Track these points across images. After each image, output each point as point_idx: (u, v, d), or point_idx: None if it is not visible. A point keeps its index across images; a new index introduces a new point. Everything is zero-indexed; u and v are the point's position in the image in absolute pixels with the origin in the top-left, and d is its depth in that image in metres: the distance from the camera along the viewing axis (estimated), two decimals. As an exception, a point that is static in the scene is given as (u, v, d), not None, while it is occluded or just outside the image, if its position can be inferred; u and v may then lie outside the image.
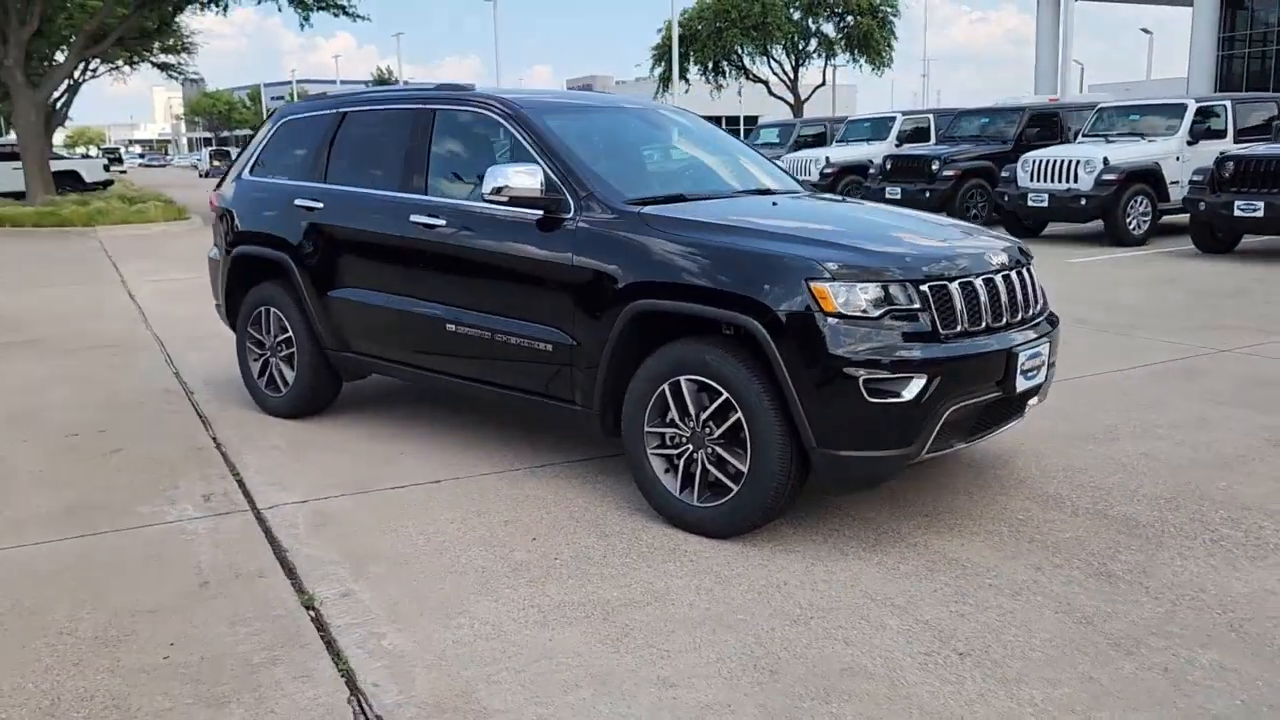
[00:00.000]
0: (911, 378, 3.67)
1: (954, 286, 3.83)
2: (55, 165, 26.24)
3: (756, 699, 2.86)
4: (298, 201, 5.51)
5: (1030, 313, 4.21)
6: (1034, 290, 4.29)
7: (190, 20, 44.11)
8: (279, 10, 23.30)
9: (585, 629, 3.27)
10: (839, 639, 3.20)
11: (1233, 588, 3.55)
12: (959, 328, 3.83)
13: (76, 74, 46.08)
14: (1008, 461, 4.92)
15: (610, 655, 3.10)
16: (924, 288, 3.76)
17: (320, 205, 5.41)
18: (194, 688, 2.93)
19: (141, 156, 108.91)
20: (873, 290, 3.69)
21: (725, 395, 3.85)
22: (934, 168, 15.97)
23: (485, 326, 4.64)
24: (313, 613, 3.41)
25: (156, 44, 44.29)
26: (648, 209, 4.24)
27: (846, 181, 18.27)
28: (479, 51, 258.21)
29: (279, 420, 5.77)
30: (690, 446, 4.00)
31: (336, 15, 24.58)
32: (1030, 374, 4.06)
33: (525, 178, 4.32)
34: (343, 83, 74.33)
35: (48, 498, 4.53)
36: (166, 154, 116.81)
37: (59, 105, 48.38)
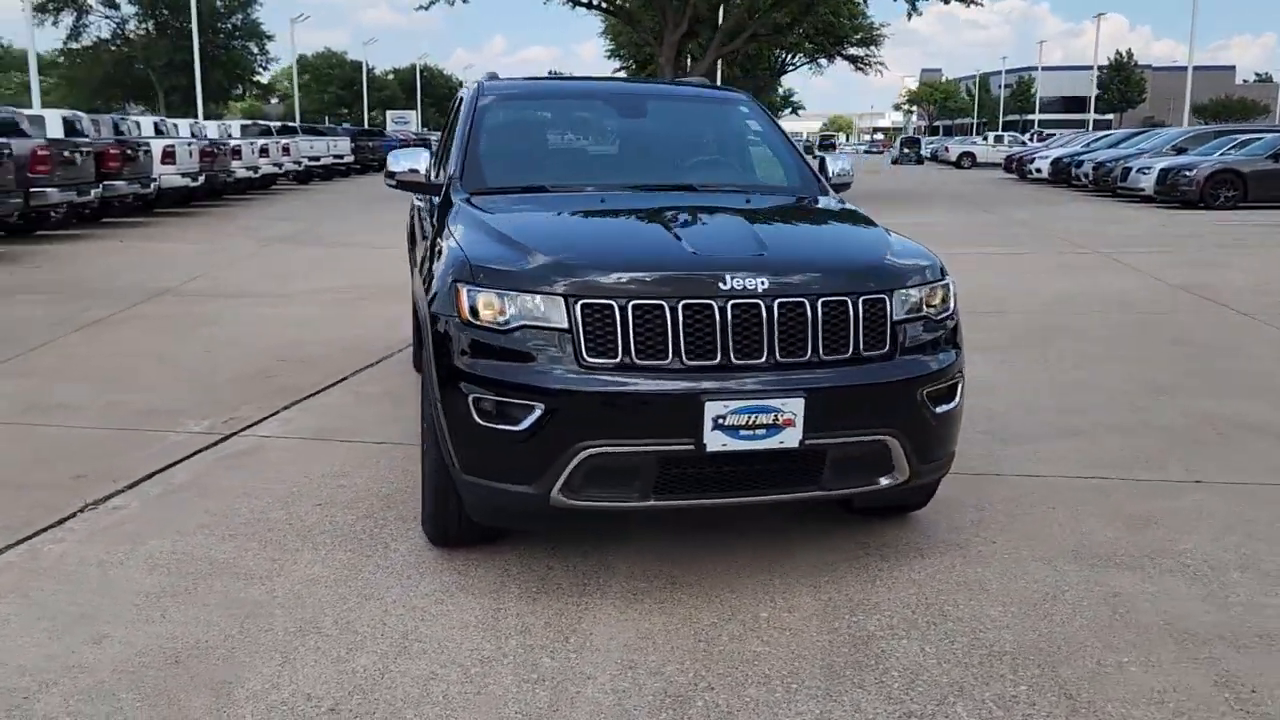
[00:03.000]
0: (533, 406, 3.17)
1: (627, 309, 3.17)
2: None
3: (132, 680, 2.92)
4: None
5: (799, 358, 3.24)
6: (830, 331, 3.27)
7: (877, 13, 46.19)
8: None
9: (168, 582, 3.51)
10: (316, 659, 3.03)
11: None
12: (619, 358, 3.17)
13: (779, 64, 51.31)
14: (928, 555, 3.76)
15: (130, 609, 3.33)
16: (578, 306, 3.18)
17: (427, 186, 6.01)
18: (-87, 538, 3.86)
19: (867, 146, 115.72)
20: (504, 299, 3.25)
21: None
22: None
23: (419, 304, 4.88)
24: (79, 514, 4.14)
25: (847, 39, 47.45)
26: (464, 200, 4.12)
27: None
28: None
29: (414, 376, 6.53)
30: (437, 450, 3.88)
31: (947, 2, 24.19)
32: (747, 433, 3.16)
33: (409, 163, 4.47)
34: (1045, 70, 71.36)
35: (163, 398, 5.89)
36: (892, 143, 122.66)
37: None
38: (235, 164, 23.41)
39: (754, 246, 3.48)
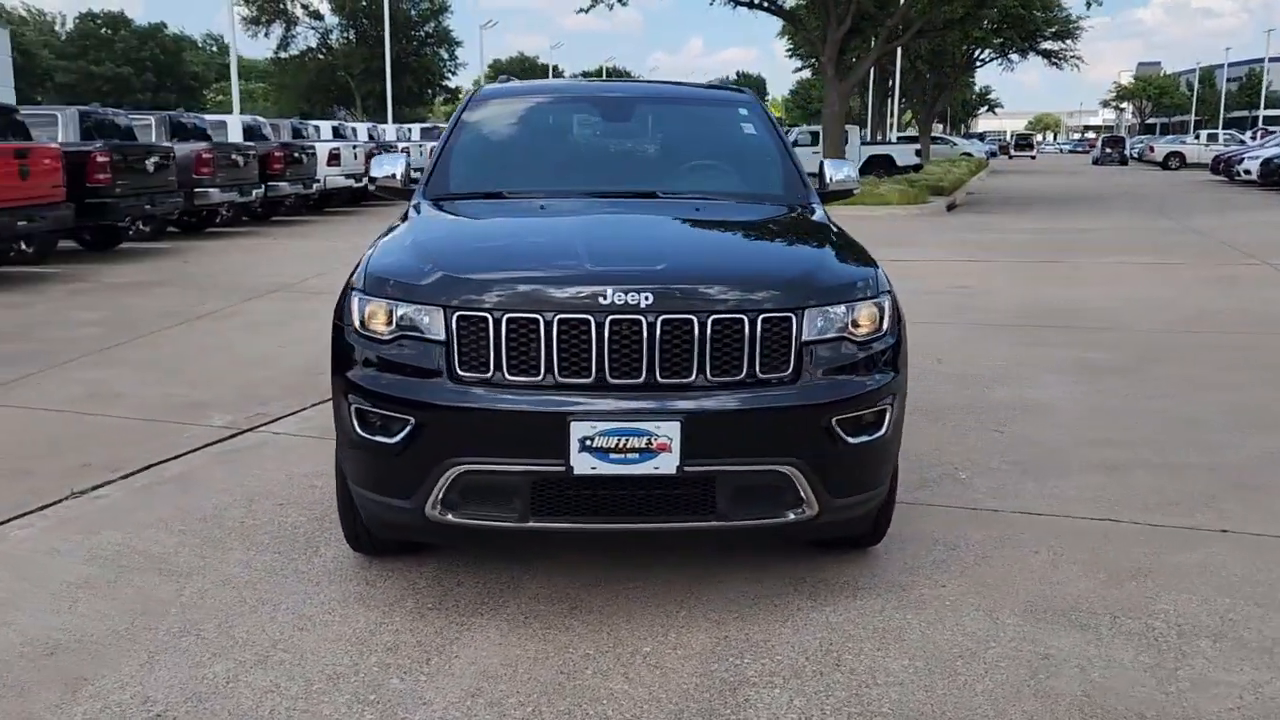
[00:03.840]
0: (406, 420, 3.10)
1: (500, 322, 3.05)
2: (873, 150, 28.80)
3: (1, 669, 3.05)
4: None
5: (683, 378, 3.03)
6: (720, 351, 3.04)
7: (1072, 5, 43.50)
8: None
9: (96, 574, 3.64)
10: (177, 662, 3.08)
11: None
12: (490, 372, 3.05)
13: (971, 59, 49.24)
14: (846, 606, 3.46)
15: (46, 599, 3.47)
16: (454, 318, 3.09)
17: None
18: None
19: (1072, 146, 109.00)
20: (390, 309, 3.20)
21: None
22: None
23: None
24: (62, 501, 4.36)
25: (1039, 32, 45.08)
26: (423, 205, 4.11)
27: None
28: None
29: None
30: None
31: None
32: (618, 457, 2.98)
33: (389, 168, 4.49)
34: (1275, 61, 65.33)
35: (208, 392, 6.17)
36: (1096, 143, 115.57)
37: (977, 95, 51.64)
38: (402, 165, 24.43)
39: (654, 260, 3.28)
